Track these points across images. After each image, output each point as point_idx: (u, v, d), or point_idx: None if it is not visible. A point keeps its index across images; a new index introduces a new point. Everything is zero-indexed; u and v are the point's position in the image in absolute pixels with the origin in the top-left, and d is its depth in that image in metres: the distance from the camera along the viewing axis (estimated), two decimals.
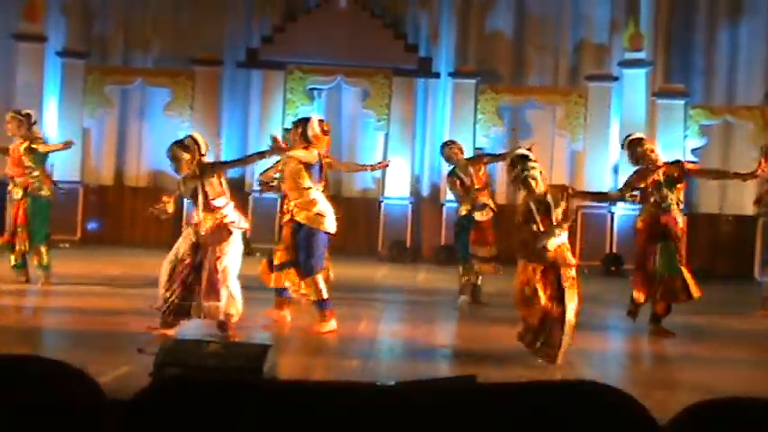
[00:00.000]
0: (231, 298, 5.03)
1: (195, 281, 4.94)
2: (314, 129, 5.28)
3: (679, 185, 5.62)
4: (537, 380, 2.29)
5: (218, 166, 5.22)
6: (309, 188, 5.39)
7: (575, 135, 11.76)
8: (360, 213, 11.79)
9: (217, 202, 5.03)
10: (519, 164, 4.78)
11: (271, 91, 12.00)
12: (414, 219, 11.89)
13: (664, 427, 1.75)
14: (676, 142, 11.28)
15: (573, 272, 4.78)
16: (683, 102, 11.39)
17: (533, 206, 4.76)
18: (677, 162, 5.98)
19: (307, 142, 5.38)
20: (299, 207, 5.32)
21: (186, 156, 5.12)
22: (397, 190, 11.92)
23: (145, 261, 10.09)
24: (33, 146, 6.75)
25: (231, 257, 5.02)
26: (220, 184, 5.11)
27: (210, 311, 4.96)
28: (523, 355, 4.90)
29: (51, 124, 11.63)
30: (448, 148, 6.94)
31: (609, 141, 11.50)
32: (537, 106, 12.06)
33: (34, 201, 6.68)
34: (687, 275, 5.65)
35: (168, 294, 4.93)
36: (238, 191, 12.13)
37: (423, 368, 4.61)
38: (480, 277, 6.81)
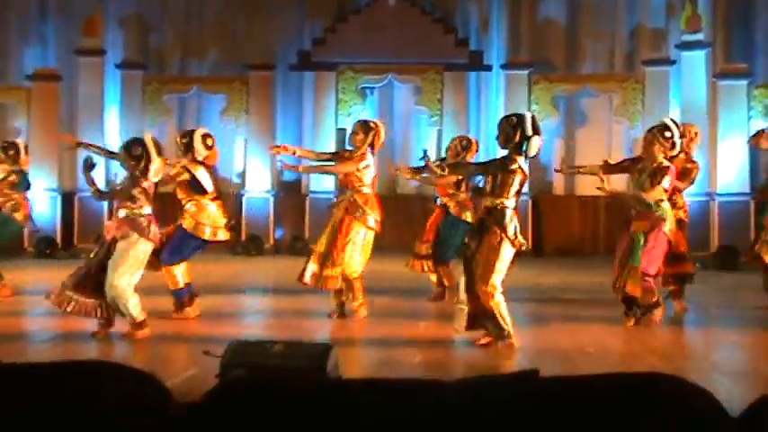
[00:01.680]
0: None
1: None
2: (196, 143, 5.47)
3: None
4: (604, 373, 2.22)
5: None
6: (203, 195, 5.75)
7: (633, 121, 11.51)
8: (415, 211, 11.76)
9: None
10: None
11: (323, 92, 12.07)
12: None
13: (735, 419, 1.68)
14: (740, 124, 10.93)
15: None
16: (745, 82, 11.03)
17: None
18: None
19: (191, 154, 5.52)
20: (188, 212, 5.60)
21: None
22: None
23: (203, 265, 10.34)
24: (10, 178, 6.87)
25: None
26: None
27: None
28: (574, 349, 4.82)
29: (113, 134, 11.95)
30: (458, 143, 6.86)
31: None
32: (592, 94, 11.85)
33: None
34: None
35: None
36: (297, 193, 12.31)
37: (483, 363, 4.56)
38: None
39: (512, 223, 4.62)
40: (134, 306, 4.94)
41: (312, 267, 5.52)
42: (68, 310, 4.91)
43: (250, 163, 12.17)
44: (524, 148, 4.61)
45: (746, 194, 10.98)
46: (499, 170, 4.56)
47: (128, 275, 4.90)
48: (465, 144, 6.91)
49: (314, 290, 5.62)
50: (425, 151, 5.10)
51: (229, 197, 12.20)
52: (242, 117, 12.15)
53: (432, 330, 5.58)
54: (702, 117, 10.98)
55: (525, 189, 11.85)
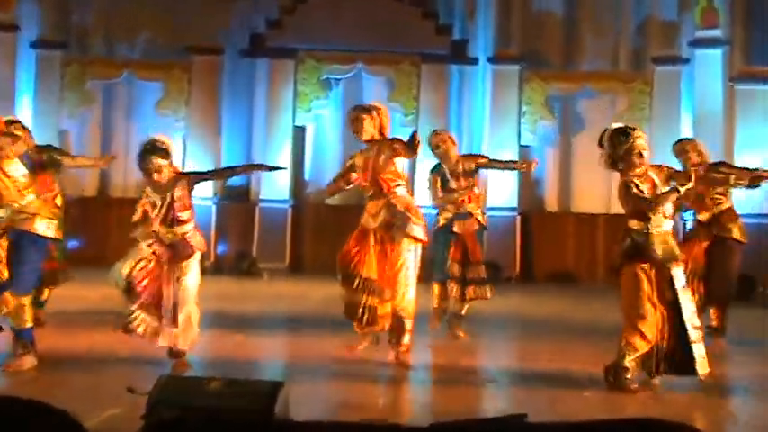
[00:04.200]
0: (188, 324, 5.08)
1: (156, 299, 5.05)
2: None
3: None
4: (600, 419, 2.24)
5: (195, 177, 5.33)
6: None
7: (639, 128, 11.65)
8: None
9: (183, 216, 5.10)
10: (622, 136, 4.81)
11: (279, 83, 12.06)
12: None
13: None
14: (760, 134, 11.13)
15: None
16: (767, 87, 11.25)
17: (635, 184, 4.77)
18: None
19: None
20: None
21: (165, 163, 5.19)
22: (427, 198, 11.85)
23: None
24: None
25: (192, 279, 5.09)
26: (189, 197, 5.20)
27: (169, 337, 5.04)
28: (577, 384, 4.85)
29: (25, 124, 11.76)
30: (437, 137, 6.86)
31: (680, 134, 11.37)
32: (593, 95, 12.00)
33: None
34: None
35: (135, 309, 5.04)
36: (244, 201, 12.26)
37: (461, 403, 4.57)
38: (466, 305, 6.70)
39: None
40: None
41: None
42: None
43: (189, 163, 12.08)
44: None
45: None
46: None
47: None
48: (450, 137, 6.95)
49: (261, 319, 5.57)
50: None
51: None
52: (181, 110, 12.08)
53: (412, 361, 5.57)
54: (717, 125, 11.19)
55: (513, 204, 12.18)
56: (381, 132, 5.39)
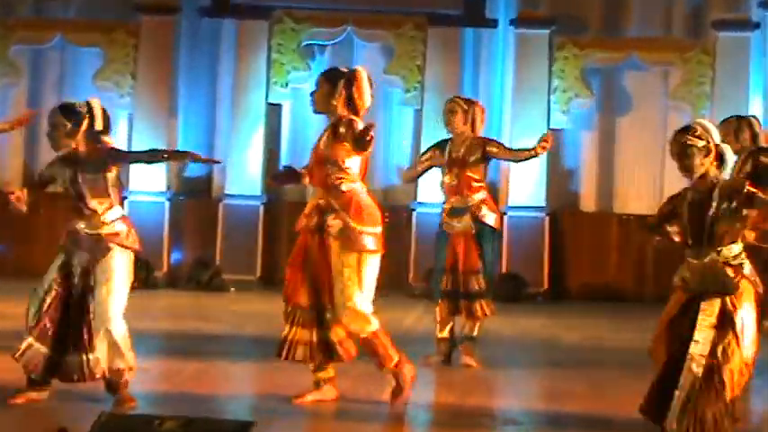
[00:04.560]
0: (114, 347, 5.04)
1: (65, 322, 5.02)
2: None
3: None
4: None
5: (122, 156, 5.28)
6: None
7: (698, 107, 11.68)
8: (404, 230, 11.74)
9: (95, 204, 5.05)
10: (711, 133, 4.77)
11: (249, 50, 12.04)
12: None
13: None
14: None
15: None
16: None
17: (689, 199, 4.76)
18: None
19: None
20: None
21: (68, 125, 5.16)
22: (436, 193, 11.83)
23: None
24: None
25: (117, 288, 5.05)
26: (117, 180, 5.16)
27: (87, 367, 5.00)
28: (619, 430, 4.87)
29: None
30: (448, 104, 6.85)
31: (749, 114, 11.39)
32: (641, 67, 12.01)
33: None
34: None
35: (32, 340, 5.01)
36: (205, 196, 12.25)
37: None
38: (476, 325, 6.72)
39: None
40: None
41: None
42: None
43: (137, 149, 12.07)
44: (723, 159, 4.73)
45: None
46: None
47: None
48: (467, 101, 6.95)
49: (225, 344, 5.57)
50: None
51: None
52: (126, 82, 12.05)
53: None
54: None
55: (540, 201, 12.13)
56: (349, 107, 5.21)
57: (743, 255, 4.73)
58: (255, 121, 11.98)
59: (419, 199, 11.83)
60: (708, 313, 4.69)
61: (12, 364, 5.23)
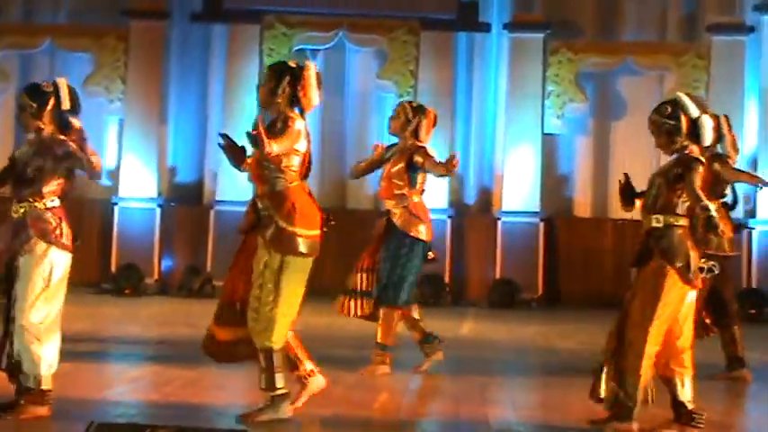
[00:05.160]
0: (30, 353, 4.86)
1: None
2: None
3: None
4: None
5: (66, 147, 5.08)
6: None
7: None
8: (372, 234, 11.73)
9: (48, 188, 4.94)
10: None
11: (241, 54, 12.03)
12: (454, 241, 11.83)
13: None
14: None
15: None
16: None
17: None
18: None
19: None
20: None
21: (33, 106, 5.07)
22: (429, 198, 11.78)
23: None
24: None
25: (34, 282, 4.92)
26: (54, 170, 4.99)
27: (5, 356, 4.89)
28: None
29: None
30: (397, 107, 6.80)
31: (744, 119, 11.42)
32: (636, 71, 12.03)
33: None
34: None
35: None
36: (196, 203, 12.22)
37: None
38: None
39: (682, 250, 4.71)
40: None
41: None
42: None
43: (127, 156, 12.05)
44: (698, 134, 4.73)
45: None
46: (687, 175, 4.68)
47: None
48: (417, 105, 6.82)
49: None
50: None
51: (95, 206, 12.06)
52: (116, 88, 12.04)
53: (395, 410, 5.56)
54: None
55: (535, 207, 12.13)
56: (292, 104, 5.12)
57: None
58: (246, 126, 11.93)
59: None
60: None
61: None
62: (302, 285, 4.98)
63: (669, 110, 4.84)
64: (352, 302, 6.56)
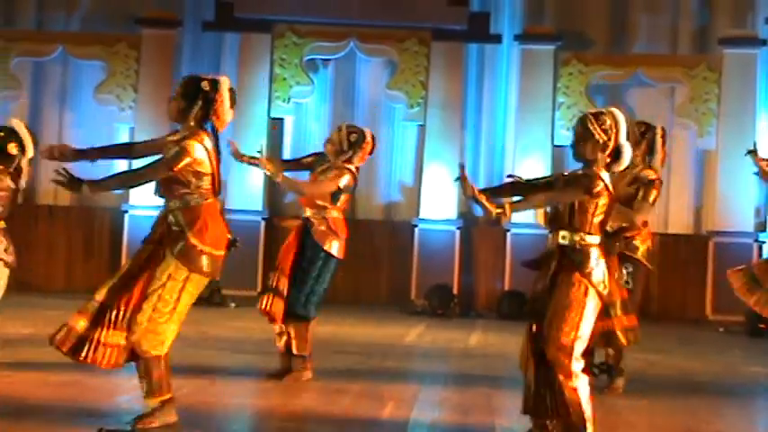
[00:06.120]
0: None
1: None
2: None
3: None
4: None
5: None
6: None
7: (703, 126, 11.69)
8: (383, 244, 11.76)
9: None
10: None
11: (252, 63, 12.07)
12: (463, 252, 11.83)
13: None
14: None
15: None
16: None
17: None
18: None
19: None
20: None
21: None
22: (438, 209, 11.88)
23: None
24: None
25: None
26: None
27: None
28: None
29: None
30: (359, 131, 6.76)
31: (755, 132, 11.40)
32: (647, 83, 12.03)
33: None
34: None
35: None
36: None
37: None
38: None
39: (598, 267, 4.71)
40: None
41: None
42: None
43: (137, 164, 12.06)
44: (618, 158, 4.70)
45: None
46: (583, 192, 4.64)
47: None
48: (355, 138, 6.74)
49: (223, 362, 5.54)
50: (462, 165, 4.91)
51: (105, 214, 12.09)
52: (128, 96, 12.08)
53: (403, 423, 5.56)
54: None
55: (525, 219, 12.08)
56: (203, 123, 5.10)
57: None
58: (257, 135, 11.97)
59: (421, 215, 11.83)
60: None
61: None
62: (193, 300, 5.00)
63: (608, 123, 4.78)
64: (266, 297, 6.54)
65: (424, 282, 11.54)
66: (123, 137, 12.15)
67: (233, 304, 11.30)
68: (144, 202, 11.90)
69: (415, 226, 11.84)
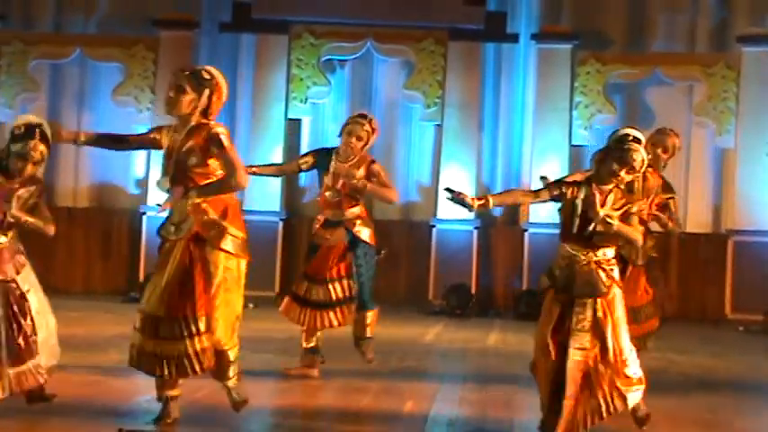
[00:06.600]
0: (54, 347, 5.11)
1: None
2: None
3: None
4: None
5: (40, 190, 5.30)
6: None
7: (722, 124, 11.64)
8: (401, 244, 11.76)
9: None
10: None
11: (269, 64, 12.09)
12: (481, 252, 11.83)
13: None
14: None
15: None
16: None
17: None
18: None
19: None
20: None
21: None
22: (456, 209, 11.81)
23: (87, 316, 10.16)
24: None
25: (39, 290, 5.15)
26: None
27: (29, 376, 5.00)
28: None
29: None
30: (372, 122, 6.76)
31: None
32: (665, 82, 11.99)
33: None
34: None
35: None
36: None
37: None
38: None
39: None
40: None
41: None
42: None
43: (155, 166, 12.11)
44: None
45: None
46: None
47: None
48: (374, 128, 6.84)
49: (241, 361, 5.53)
50: (543, 178, 5.14)
51: (123, 215, 12.14)
52: (145, 97, 12.12)
53: (422, 418, 5.56)
54: None
55: (555, 218, 11.99)
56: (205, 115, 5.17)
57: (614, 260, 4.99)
58: (275, 136, 12.01)
59: (439, 215, 11.82)
60: (582, 317, 4.87)
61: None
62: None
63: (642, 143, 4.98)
64: (333, 313, 6.64)
65: (442, 281, 11.54)
66: None
67: (251, 305, 11.31)
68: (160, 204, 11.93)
69: (433, 226, 11.84)
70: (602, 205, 4.97)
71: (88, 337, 8.03)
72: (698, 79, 11.81)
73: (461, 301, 11.32)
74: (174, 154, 5.12)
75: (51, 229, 5.28)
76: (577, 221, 4.98)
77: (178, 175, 5.08)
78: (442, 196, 11.79)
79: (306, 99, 11.99)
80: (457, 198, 4.86)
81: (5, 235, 5.11)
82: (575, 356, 4.84)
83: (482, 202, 4.95)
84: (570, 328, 4.88)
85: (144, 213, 11.95)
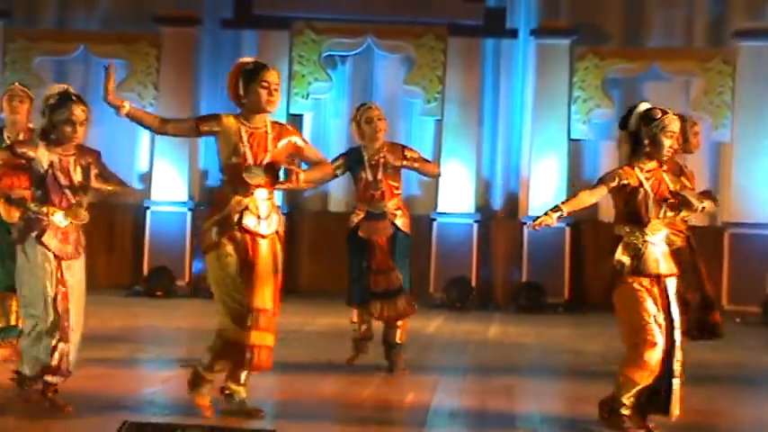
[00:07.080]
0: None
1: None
2: None
3: None
4: None
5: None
6: None
7: (718, 118, 11.65)
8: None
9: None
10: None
11: (270, 60, 11.89)
12: (481, 245, 11.85)
13: None
14: None
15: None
16: None
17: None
18: None
19: None
20: None
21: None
22: (456, 203, 11.89)
23: (92, 310, 10.15)
24: None
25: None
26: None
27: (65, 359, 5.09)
28: None
29: None
30: (374, 111, 6.77)
31: None
32: (663, 77, 11.99)
33: None
34: None
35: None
36: None
37: None
38: (396, 331, 6.68)
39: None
40: None
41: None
42: None
43: (159, 161, 12.15)
44: None
45: None
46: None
47: None
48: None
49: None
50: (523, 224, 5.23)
51: (127, 210, 12.16)
52: (148, 93, 12.14)
53: (424, 409, 5.58)
54: None
55: (541, 212, 11.96)
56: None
57: None
58: None
59: (439, 209, 11.84)
60: (674, 294, 5.00)
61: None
62: None
63: None
64: (380, 304, 6.65)
65: (442, 275, 11.57)
66: (144, 134, 12.20)
67: None
68: (165, 198, 11.98)
69: (434, 220, 11.86)
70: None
71: (92, 331, 8.02)
72: (695, 74, 11.82)
73: (462, 293, 11.36)
74: (270, 145, 5.13)
75: (131, 189, 5.41)
76: (652, 205, 4.93)
77: (268, 167, 5.11)
78: (443, 190, 11.88)
79: (307, 95, 12.01)
80: (539, 226, 4.95)
81: (78, 211, 5.12)
82: (678, 334, 4.93)
83: (558, 213, 5.00)
84: (670, 307, 4.93)
85: (148, 208, 11.98)
